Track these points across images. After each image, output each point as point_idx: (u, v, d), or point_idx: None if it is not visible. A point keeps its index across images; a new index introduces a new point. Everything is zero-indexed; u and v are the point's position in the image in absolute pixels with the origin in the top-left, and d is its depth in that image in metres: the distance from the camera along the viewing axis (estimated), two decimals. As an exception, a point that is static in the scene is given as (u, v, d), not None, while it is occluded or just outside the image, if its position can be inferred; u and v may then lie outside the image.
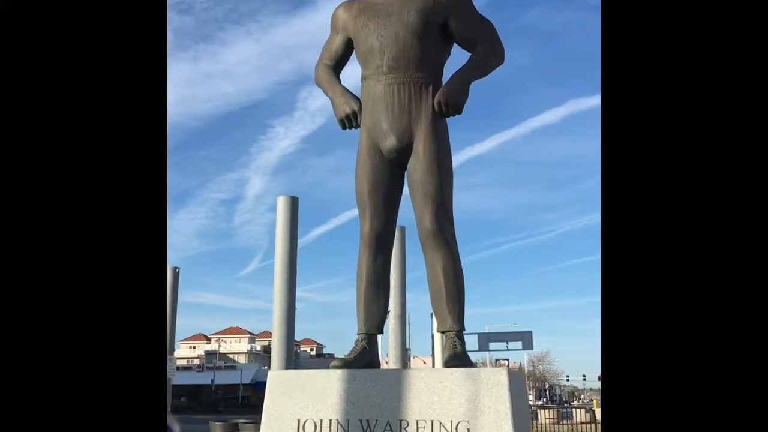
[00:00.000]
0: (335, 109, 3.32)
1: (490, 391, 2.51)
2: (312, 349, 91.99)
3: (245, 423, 14.75)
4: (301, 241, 10.73)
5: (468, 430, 2.48)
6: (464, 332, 3.05)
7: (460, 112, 3.18)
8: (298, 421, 2.69)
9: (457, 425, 2.49)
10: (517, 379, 2.74)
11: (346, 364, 2.87)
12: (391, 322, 11.91)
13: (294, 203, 10.54)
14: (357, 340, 3.06)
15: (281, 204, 10.47)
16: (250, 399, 58.12)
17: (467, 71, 3.23)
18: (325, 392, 2.71)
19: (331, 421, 2.65)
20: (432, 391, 2.57)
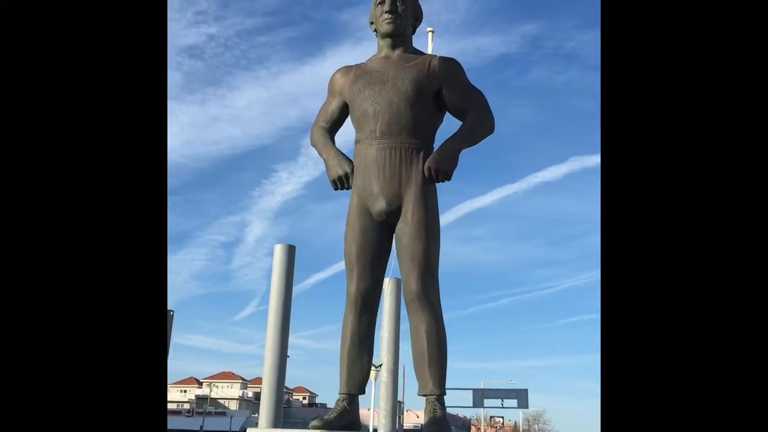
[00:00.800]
0: (328, 171, 3.41)
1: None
2: (305, 398, 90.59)
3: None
4: (299, 287, 10.64)
5: (442, 497, 2.48)
6: (447, 391, 3.07)
7: (448, 179, 3.26)
8: (274, 481, 2.69)
9: (432, 492, 2.50)
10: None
11: (326, 424, 2.88)
12: (384, 375, 11.81)
13: (291, 251, 10.56)
14: (338, 400, 3.08)
15: (278, 252, 10.49)
16: (238, 447, 56.99)
17: (457, 140, 3.33)
18: (302, 452, 2.71)
19: (307, 483, 2.65)
20: (408, 456, 2.58)
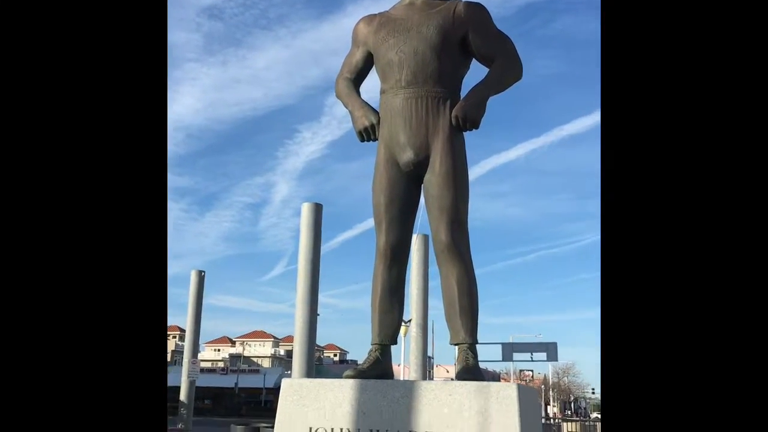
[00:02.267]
0: (354, 122, 3.37)
1: (499, 405, 2.53)
2: (335, 355, 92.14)
3: (266, 427, 14.88)
4: (326, 247, 10.73)
5: (477, 443, 2.50)
6: (477, 344, 3.07)
7: (476, 127, 3.21)
8: (310, 429, 2.74)
9: (467, 438, 2.52)
10: (527, 393, 2.75)
11: (359, 374, 2.91)
12: (413, 330, 11.94)
13: (318, 210, 10.64)
14: (370, 351, 3.11)
15: (305, 211, 10.57)
16: (272, 403, 58.38)
17: (485, 87, 3.26)
18: (336, 401, 2.75)
19: (341, 430, 2.69)
20: (442, 403, 2.60)
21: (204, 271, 17.49)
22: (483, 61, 3.36)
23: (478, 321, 3.10)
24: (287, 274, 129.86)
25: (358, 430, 2.67)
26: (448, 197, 3.09)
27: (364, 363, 3.04)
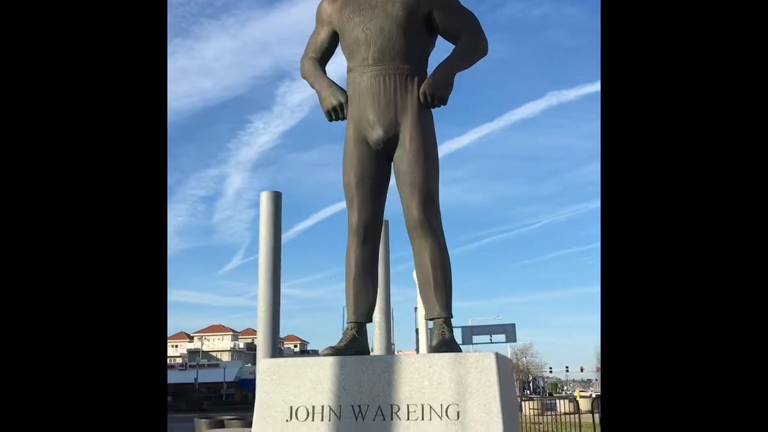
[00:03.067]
0: (322, 102, 3.36)
1: (478, 374, 2.57)
2: (296, 346, 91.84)
3: (231, 419, 14.77)
4: (283, 237, 10.58)
5: (458, 413, 2.54)
6: (452, 319, 3.11)
7: (445, 103, 3.23)
8: (291, 407, 2.73)
9: (447, 408, 2.55)
10: (504, 363, 2.80)
11: (337, 351, 2.92)
12: (376, 315, 11.98)
13: (277, 198, 10.54)
14: (346, 329, 3.11)
15: (264, 200, 10.47)
16: (234, 397, 57.97)
17: (452, 63, 3.28)
18: (316, 379, 2.75)
19: (323, 407, 2.70)
20: (422, 375, 2.63)
21: (161, 265, 17.25)
22: (448, 37, 3.38)
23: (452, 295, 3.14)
24: (244, 267, 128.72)
25: (340, 406, 2.68)
26: (418, 173, 3.11)
27: (341, 341, 3.04)
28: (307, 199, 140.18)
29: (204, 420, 14.71)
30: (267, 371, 2.84)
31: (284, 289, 10.13)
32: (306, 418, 2.70)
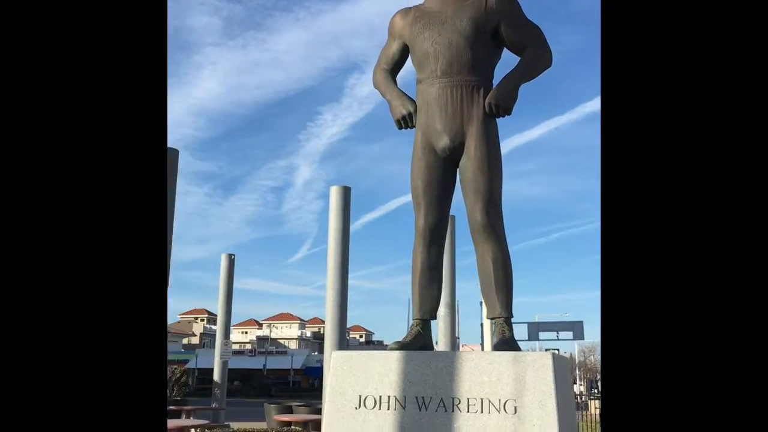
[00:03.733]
0: (392, 111, 3.56)
1: (535, 372, 2.73)
2: (361, 336, 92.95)
3: (298, 405, 15.28)
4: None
5: (515, 408, 2.71)
6: (512, 319, 3.27)
7: (509, 113, 3.38)
8: (359, 396, 2.97)
9: (505, 403, 2.73)
10: (561, 362, 2.95)
11: (403, 346, 3.13)
12: (441, 310, 12.17)
13: (346, 193, 10.86)
14: (412, 325, 3.32)
15: (334, 194, 10.79)
16: (300, 384, 59.21)
17: (516, 75, 3.43)
18: (383, 371, 2.97)
19: (389, 397, 2.92)
20: (482, 371, 2.81)
21: (234, 255, 17.83)
22: (514, 50, 3.53)
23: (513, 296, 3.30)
24: (312, 257, 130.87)
25: (404, 397, 2.89)
26: (482, 180, 3.28)
27: (407, 336, 3.25)
28: (374, 191, 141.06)
29: (273, 405, 15.25)
30: (339, 362, 3.09)
31: (350, 280, 10.38)
32: (373, 407, 2.93)
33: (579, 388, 69.28)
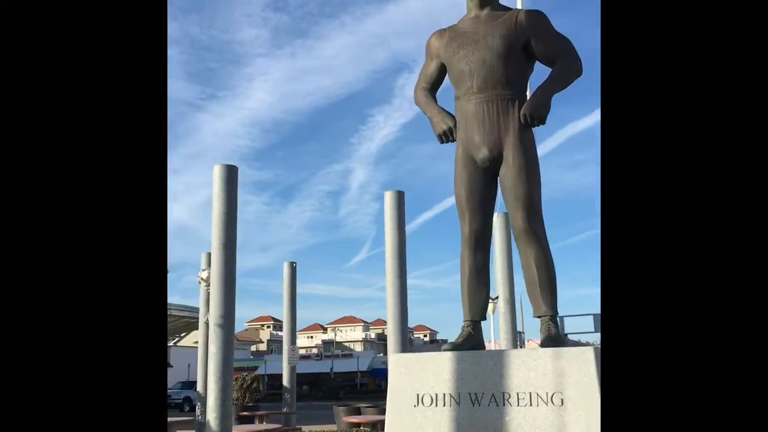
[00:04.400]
0: (434, 127, 3.81)
1: (579, 366, 2.93)
2: (425, 336, 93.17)
3: (366, 407, 15.64)
4: (407, 228, 11.05)
5: (561, 400, 2.92)
6: (559, 316, 3.47)
7: (543, 123, 3.59)
8: (417, 395, 3.22)
9: (552, 396, 2.94)
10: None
11: (455, 347, 3.37)
12: (501, 306, 12.30)
13: (400, 197, 11.13)
14: (463, 327, 3.56)
15: (388, 199, 11.08)
16: (367, 385, 59.77)
17: (549, 86, 3.63)
18: (438, 371, 3.22)
19: (444, 395, 3.16)
20: (528, 368, 3.03)
21: (296, 263, 18.33)
22: (545, 62, 3.73)
23: (565, 294, 3.50)
24: (371, 259, 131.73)
25: (459, 394, 3.13)
26: (522, 188, 3.49)
27: (459, 338, 3.50)
28: (429, 190, 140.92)
29: (342, 407, 15.63)
30: (396, 364, 3.35)
31: (411, 280, 10.61)
32: (431, 404, 3.18)
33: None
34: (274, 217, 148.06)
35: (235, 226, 9.62)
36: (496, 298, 14.35)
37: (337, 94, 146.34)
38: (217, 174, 9.54)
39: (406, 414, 3.23)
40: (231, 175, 9.76)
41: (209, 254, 16.44)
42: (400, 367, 3.34)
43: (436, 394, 3.19)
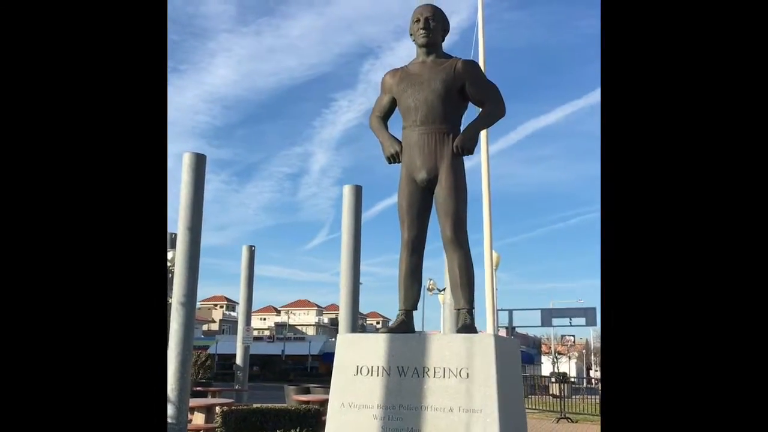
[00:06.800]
0: (384, 149, 4.62)
1: (482, 348, 3.80)
2: (378, 323, 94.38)
3: (315, 387, 16.47)
4: (365, 216, 11.78)
5: (467, 373, 3.79)
6: (473, 310, 4.34)
7: (471, 153, 4.44)
8: (357, 366, 4.06)
9: (460, 370, 3.81)
10: (505, 342, 4.02)
11: (390, 330, 4.22)
12: (447, 298, 13.23)
13: (358, 192, 11.96)
14: (398, 315, 4.40)
15: (347, 192, 11.89)
16: (318, 369, 60.52)
17: (477, 124, 4.50)
18: (374, 348, 4.06)
19: (379, 367, 4.00)
20: (444, 348, 3.89)
21: (254, 246, 18.99)
22: (476, 103, 4.59)
23: (474, 292, 4.37)
24: (328, 243, 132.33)
25: (390, 366, 3.98)
26: (451, 204, 4.34)
27: (393, 323, 4.35)
28: (390, 179, 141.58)
29: (292, 387, 16.39)
30: (342, 341, 4.19)
31: (366, 267, 11.58)
32: (367, 374, 4.02)
33: (595, 373, 69.87)
34: (231, 196, 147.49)
35: (201, 212, 10.29)
36: (443, 290, 15.26)
37: (302, 76, 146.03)
38: (186, 162, 10.22)
39: (347, 381, 4.07)
40: (199, 163, 10.44)
41: (171, 235, 17.03)
42: (345, 344, 4.19)
43: (372, 366, 4.03)
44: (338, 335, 4.28)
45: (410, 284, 4.46)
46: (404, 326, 4.36)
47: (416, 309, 4.49)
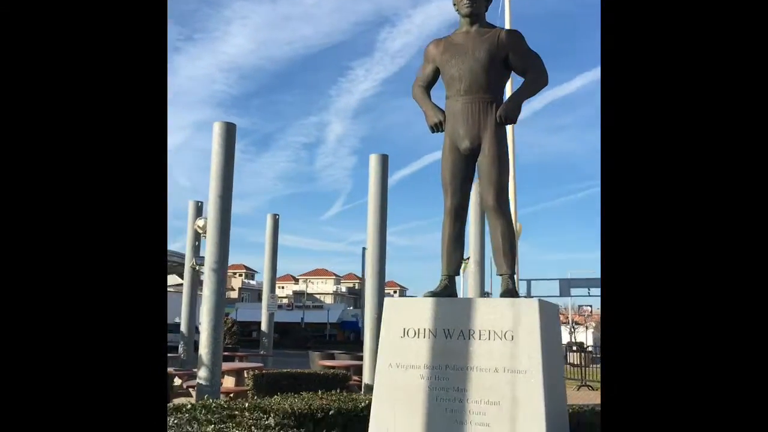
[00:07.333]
0: (427, 119, 4.72)
1: (527, 311, 3.93)
2: (395, 292, 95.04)
3: (340, 353, 16.79)
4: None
5: (512, 336, 3.92)
6: (515, 275, 4.46)
7: (514, 122, 4.53)
8: (404, 328, 4.21)
9: (505, 333, 3.94)
10: (548, 307, 4.15)
11: (434, 294, 4.36)
12: (471, 267, 13.41)
13: (384, 161, 12.05)
14: (441, 279, 4.54)
15: (373, 161, 11.98)
16: (336, 337, 61.25)
17: (520, 93, 4.57)
18: (420, 311, 4.21)
19: (425, 329, 4.15)
20: (489, 311, 4.02)
21: (278, 215, 19.18)
22: (519, 73, 4.65)
23: (517, 258, 4.48)
24: (345, 213, 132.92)
25: (435, 328, 4.13)
26: (495, 173, 4.44)
27: (437, 287, 4.48)
28: (407, 147, 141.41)
29: (317, 353, 16.71)
30: (389, 305, 4.34)
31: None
32: (414, 336, 4.17)
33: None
34: (248, 165, 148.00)
35: (231, 180, 10.45)
36: (468, 258, 15.42)
37: (318, 44, 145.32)
38: (216, 131, 10.35)
39: (394, 342, 4.22)
40: (230, 132, 10.57)
41: (197, 203, 17.25)
42: (392, 307, 4.34)
43: (418, 329, 4.18)
44: (385, 299, 4.43)
45: (453, 250, 4.59)
46: (448, 291, 4.49)
47: (459, 274, 4.63)
